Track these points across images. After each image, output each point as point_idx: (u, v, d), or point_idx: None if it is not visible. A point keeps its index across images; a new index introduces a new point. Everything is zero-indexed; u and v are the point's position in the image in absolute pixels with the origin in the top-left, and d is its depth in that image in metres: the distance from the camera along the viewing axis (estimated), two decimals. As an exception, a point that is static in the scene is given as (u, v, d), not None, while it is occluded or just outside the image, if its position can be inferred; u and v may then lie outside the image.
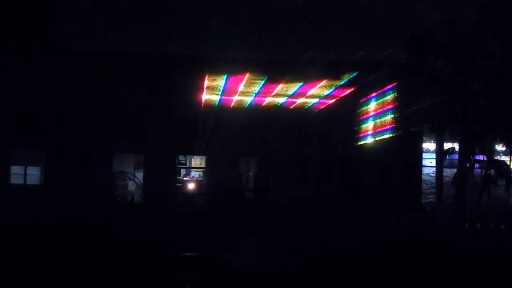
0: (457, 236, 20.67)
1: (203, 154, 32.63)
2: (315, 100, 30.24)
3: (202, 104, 30.74)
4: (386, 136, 29.63)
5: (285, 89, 27.85)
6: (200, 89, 29.06)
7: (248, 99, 30.01)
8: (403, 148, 27.72)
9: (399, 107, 28.38)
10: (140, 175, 32.63)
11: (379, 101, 30.66)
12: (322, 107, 31.34)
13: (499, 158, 30.17)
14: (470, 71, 26.22)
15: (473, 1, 25.56)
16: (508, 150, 32.49)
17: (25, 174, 30.77)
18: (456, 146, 30.77)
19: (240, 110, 31.07)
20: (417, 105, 27.66)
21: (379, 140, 30.48)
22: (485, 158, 28.42)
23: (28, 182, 30.65)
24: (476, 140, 27.42)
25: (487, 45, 26.02)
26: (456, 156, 29.95)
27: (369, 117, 31.67)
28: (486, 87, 26.59)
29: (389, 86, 29.30)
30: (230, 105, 30.88)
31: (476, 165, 28.88)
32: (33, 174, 30.89)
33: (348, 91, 29.24)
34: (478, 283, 12.57)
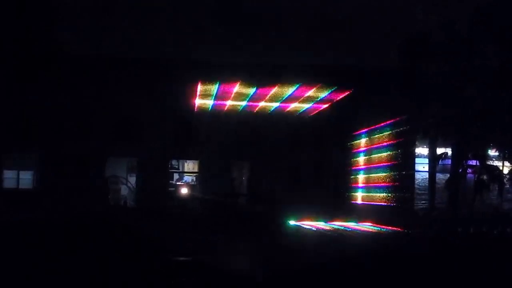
0: (451, 239, 20.71)
1: (196, 159, 32.61)
2: (307, 105, 30.18)
3: (196, 109, 30.75)
4: (380, 140, 29.61)
5: (277, 94, 27.80)
6: (193, 94, 29.07)
7: (241, 104, 30.00)
8: (395, 152, 27.72)
9: (393, 111, 28.36)
10: (132, 180, 32.60)
11: (373, 105, 30.60)
12: (314, 112, 31.29)
13: (491, 163, 30.26)
14: (465, 74, 26.30)
15: (469, 4, 25.67)
16: (501, 155, 32.54)
17: (18, 179, 30.85)
18: (449, 151, 30.83)
19: (234, 115, 31.08)
20: (411, 109, 27.68)
21: (373, 145, 30.47)
22: (478, 163, 28.48)
23: (20, 186, 30.77)
24: (470, 143, 27.49)
25: (483, 48, 26.12)
26: (449, 161, 30.02)
27: (363, 122, 31.56)
28: (481, 90, 26.67)
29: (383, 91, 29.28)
30: (223, 110, 30.86)
31: (469, 170, 28.95)
32: (25, 179, 30.98)
33: (341, 96, 29.17)
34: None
